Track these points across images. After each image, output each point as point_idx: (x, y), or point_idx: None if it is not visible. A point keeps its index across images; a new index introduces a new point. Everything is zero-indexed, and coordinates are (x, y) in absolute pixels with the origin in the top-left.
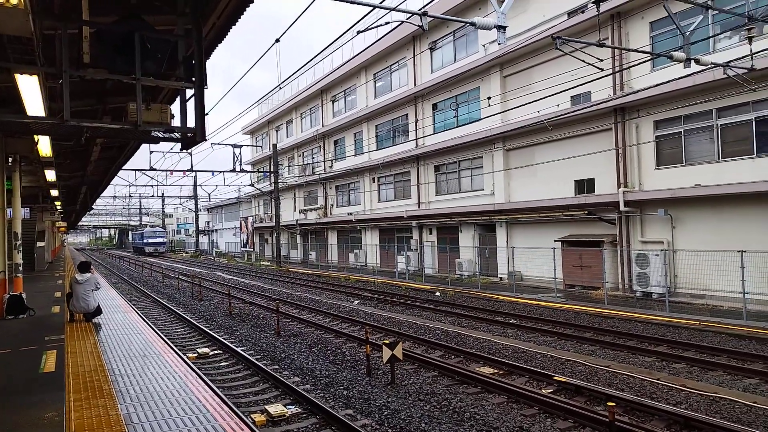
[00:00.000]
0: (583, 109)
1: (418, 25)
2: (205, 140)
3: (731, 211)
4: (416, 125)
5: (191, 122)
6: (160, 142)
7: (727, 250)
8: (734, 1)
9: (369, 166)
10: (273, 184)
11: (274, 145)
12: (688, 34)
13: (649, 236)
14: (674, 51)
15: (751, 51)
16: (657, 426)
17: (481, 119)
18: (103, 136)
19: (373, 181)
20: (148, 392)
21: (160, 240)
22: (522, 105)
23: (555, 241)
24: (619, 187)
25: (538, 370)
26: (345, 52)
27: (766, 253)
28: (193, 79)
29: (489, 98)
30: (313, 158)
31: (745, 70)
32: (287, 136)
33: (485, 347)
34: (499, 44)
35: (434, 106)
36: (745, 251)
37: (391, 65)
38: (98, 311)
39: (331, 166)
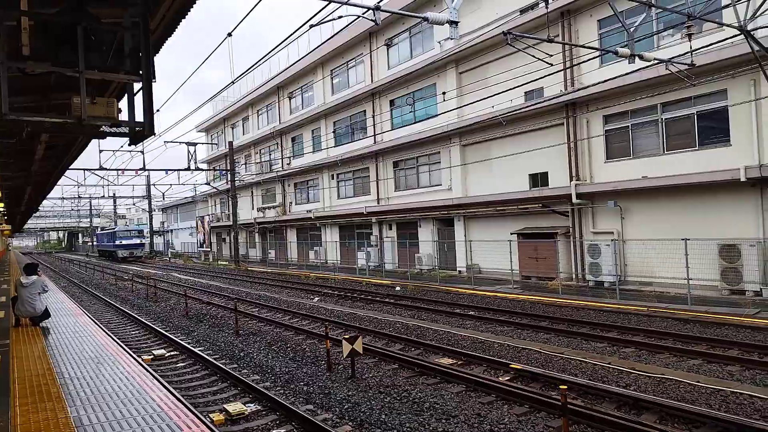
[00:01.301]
0: (535, 104)
1: (372, 20)
2: (154, 134)
3: (676, 201)
4: (374, 121)
5: (140, 117)
6: (108, 138)
7: (672, 238)
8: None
9: (328, 162)
10: (229, 183)
11: (230, 143)
12: (632, 30)
13: (601, 227)
14: (620, 47)
15: (691, 48)
16: (608, 408)
17: (437, 115)
18: (46, 132)
19: (332, 178)
20: (100, 395)
21: (137, 241)
22: (477, 101)
23: (511, 233)
24: (571, 180)
25: (496, 359)
26: (301, 47)
27: (707, 240)
28: (141, 72)
29: (444, 93)
30: (271, 155)
31: (687, 66)
32: (243, 134)
33: (444, 339)
34: (452, 39)
35: (392, 103)
36: (688, 239)
37: (348, 62)
38: (46, 315)
39: (289, 164)
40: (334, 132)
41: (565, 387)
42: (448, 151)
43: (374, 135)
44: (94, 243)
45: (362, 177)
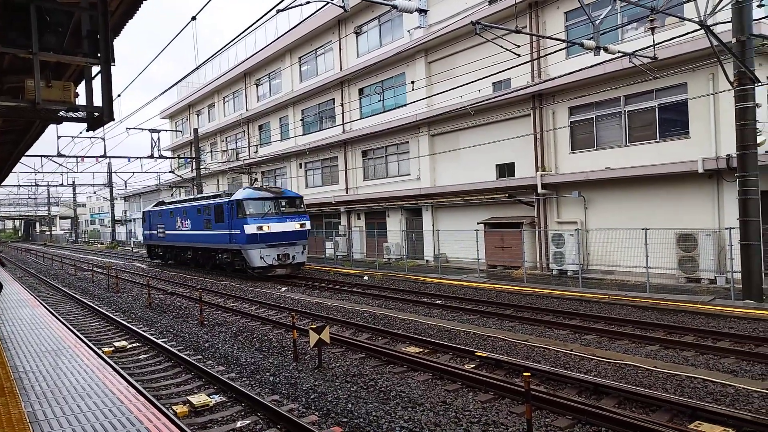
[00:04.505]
0: (503, 95)
1: (341, 6)
2: (114, 120)
3: (637, 191)
4: (343, 110)
5: (99, 102)
6: (65, 123)
7: (633, 228)
8: None
9: (296, 151)
10: (195, 171)
11: (195, 130)
12: (598, 23)
13: (565, 217)
14: (586, 40)
15: (653, 41)
16: (570, 393)
17: (407, 104)
18: None
19: (300, 167)
20: (57, 388)
21: (295, 226)
22: (446, 90)
23: (478, 223)
24: (537, 170)
25: (462, 347)
26: (269, 33)
27: (666, 230)
28: (99, 55)
29: (413, 83)
30: (237, 143)
31: (649, 60)
32: (209, 121)
33: (411, 328)
34: (421, 28)
35: (361, 91)
36: (648, 229)
37: (316, 49)
38: None
39: (256, 152)
40: (302, 120)
41: (529, 374)
42: (417, 140)
43: (343, 123)
44: (145, 232)
45: (331, 166)
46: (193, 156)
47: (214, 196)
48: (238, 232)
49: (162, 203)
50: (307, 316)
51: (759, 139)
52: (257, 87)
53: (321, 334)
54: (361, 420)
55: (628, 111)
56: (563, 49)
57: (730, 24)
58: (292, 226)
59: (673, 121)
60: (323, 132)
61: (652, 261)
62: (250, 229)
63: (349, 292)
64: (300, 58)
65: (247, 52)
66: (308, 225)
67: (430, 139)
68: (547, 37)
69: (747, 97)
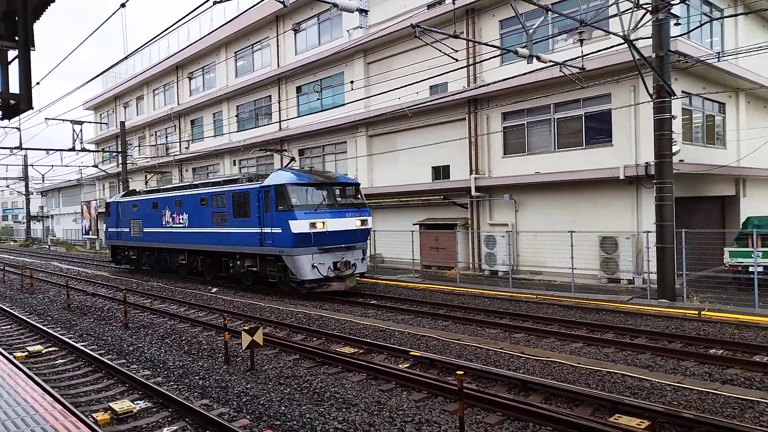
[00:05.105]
0: (440, 98)
1: (280, 1)
2: (31, 108)
3: (564, 196)
4: (280, 107)
5: (16, 90)
6: None
7: (560, 231)
8: (571, 6)
9: (230, 148)
10: (120, 165)
11: (122, 123)
12: (531, 32)
13: (497, 219)
14: (520, 48)
15: (582, 53)
16: (500, 390)
17: (345, 104)
18: None
19: (234, 164)
20: None
21: (356, 223)
22: (384, 92)
23: (414, 224)
24: (471, 173)
25: (396, 346)
26: (203, 25)
27: (590, 233)
28: (17, 38)
29: (352, 82)
30: (168, 138)
31: (578, 70)
32: (137, 114)
33: (347, 328)
34: (361, 28)
35: (298, 89)
36: (574, 232)
37: (253, 44)
38: None
39: (187, 147)
40: (237, 116)
41: (461, 372)
42: (355, 140)
43: (280, 121)
44: (110, 229)
45: (266, 164)
46: (119, 150)
47: (229, 181)
48: (277, 230)
49: (134, 192)
50: (239, 317)
51: (674, 149)
52: (190, 80)
53: (254, 335)
54: (295, 422)
55: (558, 118)
56: (498, 56)
57: (651, 40)
58: (353, 223)
59: (599, 130)
60: (259, 129)
61: (578, 262)
62: (299, 226)
63: (283, 293)
64: (236, 52)
65: (180, 44)
66: (370, 222)
67: (368, 140)
68: (483, 44)
69: (664, 109)
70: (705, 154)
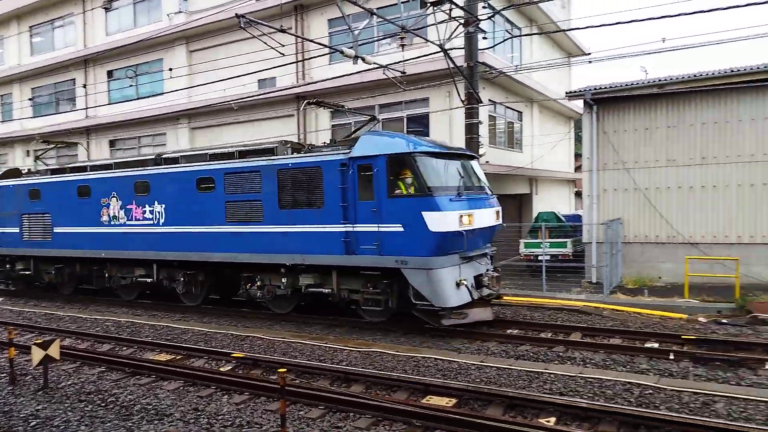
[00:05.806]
0: (268, 93)
1: None
2: None
3: None
4: (86, 93)
5: None
6: None
7: None
8: (395, 11)
9: (22, 136)
10: None
11: None
12: (357, 33)
13: None
14: (346, 48)
15: (403, 57)
16: (323, 383)
17: (164, 93)
18: None
19: (28, 155)
20: None
21: (490, 217)
22: (209, 83)
23: None
24: None
25: (218, 349)
26: None
27: None
28: None
29: (171, 70)
30: None
31: (400, 74)
32: None
33: (164, 334)
34: (182, 13)
35: (110, 74)
36: None
37: (54, 20)
38: None
39: None
40: (32, 100)
41: (284, 369)
42: (176, 132)
43: (86, 108)
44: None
45: (69, 155)
46: None
47: (264, 151)
48: (395, 227)
49: (21, 173)
50: (31, 329)
51: (481, 151)
52: None
53: (48, 349)
54: None
55: (382, 119)
56: (326, 54)
57: (464, 50)
58: (491, 216)
59: (419, 131)
60: (61, 116)
61: None
62: (443, 221)
63: (89, 300)
64: (31, 27)
65: None
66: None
67: (191, 132)
68: (310, 40)
69: (473, 115)
70: (506, 156)
